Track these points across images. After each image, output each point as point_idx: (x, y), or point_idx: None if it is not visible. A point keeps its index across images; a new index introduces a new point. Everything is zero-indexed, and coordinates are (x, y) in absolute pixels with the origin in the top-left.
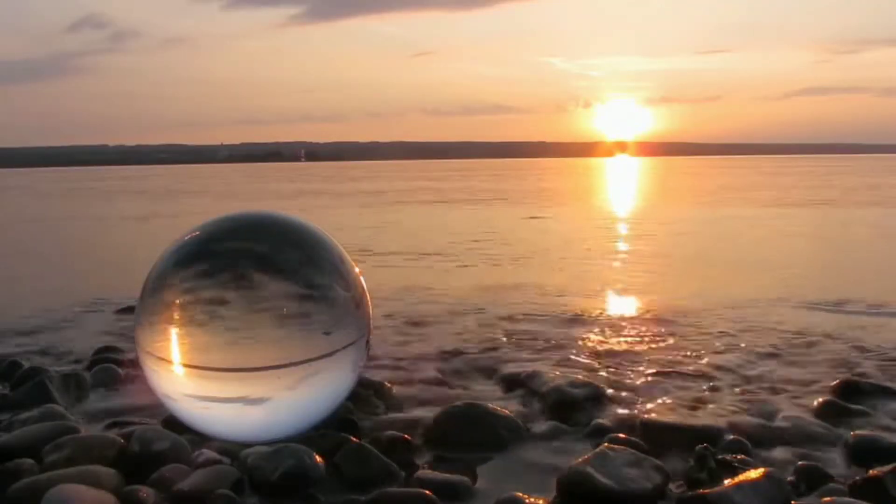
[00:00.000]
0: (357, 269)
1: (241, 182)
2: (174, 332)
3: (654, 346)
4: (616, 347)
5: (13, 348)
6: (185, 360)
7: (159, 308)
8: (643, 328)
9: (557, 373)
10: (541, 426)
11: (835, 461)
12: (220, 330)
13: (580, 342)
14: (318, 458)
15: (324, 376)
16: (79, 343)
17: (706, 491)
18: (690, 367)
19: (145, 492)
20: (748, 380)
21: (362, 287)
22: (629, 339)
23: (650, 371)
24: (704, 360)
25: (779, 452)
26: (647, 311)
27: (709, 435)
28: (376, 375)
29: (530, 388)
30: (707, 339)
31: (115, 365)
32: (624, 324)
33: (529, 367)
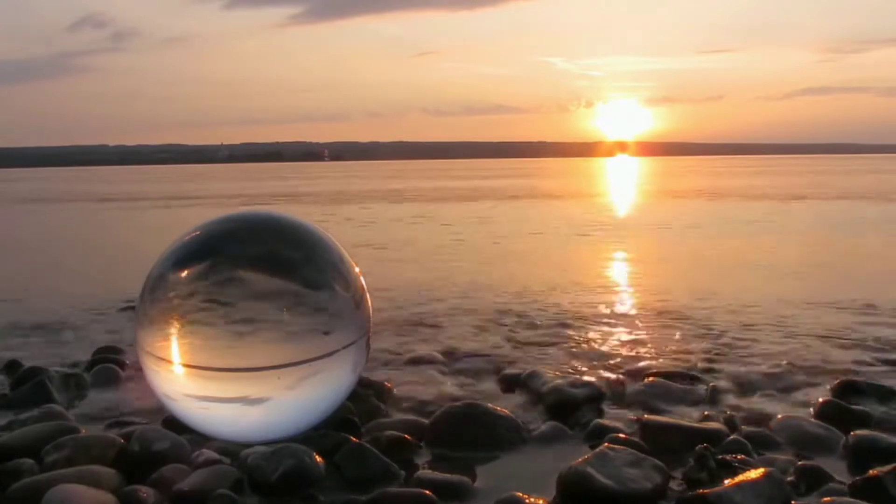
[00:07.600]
0: (357, 269)
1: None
2: (174, 332)
3: (654, 345)
4: (616, 347)
5: (13, 348)
6: (185, 360)
7: (159, 308)
8: (644, 328)
9: (557, 372)
10: (541, 426)
11: (835, 461)
12: (219, 330)
13: (580, 341)
14: (318, 458)
15: (324, 376)
16: (79, 342)
17: (706, 491)
18: (691, 367)
19: (145, 492)
20: (749, 380)
21: (362, 287)
22: (630, 338)
23: (651, 371)
24: (705, 361)
25: (779, 452)
26: (649, 311)
27: (709, 435)
28: (377, 374)
29: (530, 387)
30: (708, 339)
31: (115, 365)
32: (625, 323)
33: (529, 367)
